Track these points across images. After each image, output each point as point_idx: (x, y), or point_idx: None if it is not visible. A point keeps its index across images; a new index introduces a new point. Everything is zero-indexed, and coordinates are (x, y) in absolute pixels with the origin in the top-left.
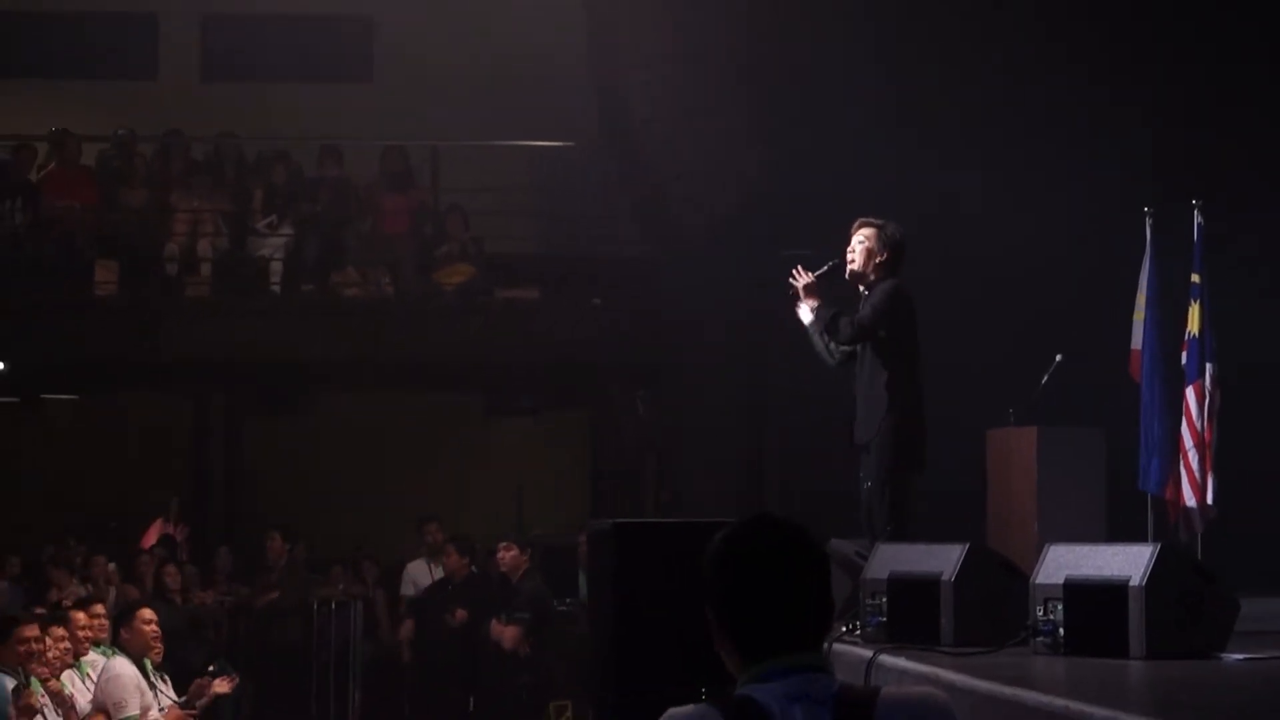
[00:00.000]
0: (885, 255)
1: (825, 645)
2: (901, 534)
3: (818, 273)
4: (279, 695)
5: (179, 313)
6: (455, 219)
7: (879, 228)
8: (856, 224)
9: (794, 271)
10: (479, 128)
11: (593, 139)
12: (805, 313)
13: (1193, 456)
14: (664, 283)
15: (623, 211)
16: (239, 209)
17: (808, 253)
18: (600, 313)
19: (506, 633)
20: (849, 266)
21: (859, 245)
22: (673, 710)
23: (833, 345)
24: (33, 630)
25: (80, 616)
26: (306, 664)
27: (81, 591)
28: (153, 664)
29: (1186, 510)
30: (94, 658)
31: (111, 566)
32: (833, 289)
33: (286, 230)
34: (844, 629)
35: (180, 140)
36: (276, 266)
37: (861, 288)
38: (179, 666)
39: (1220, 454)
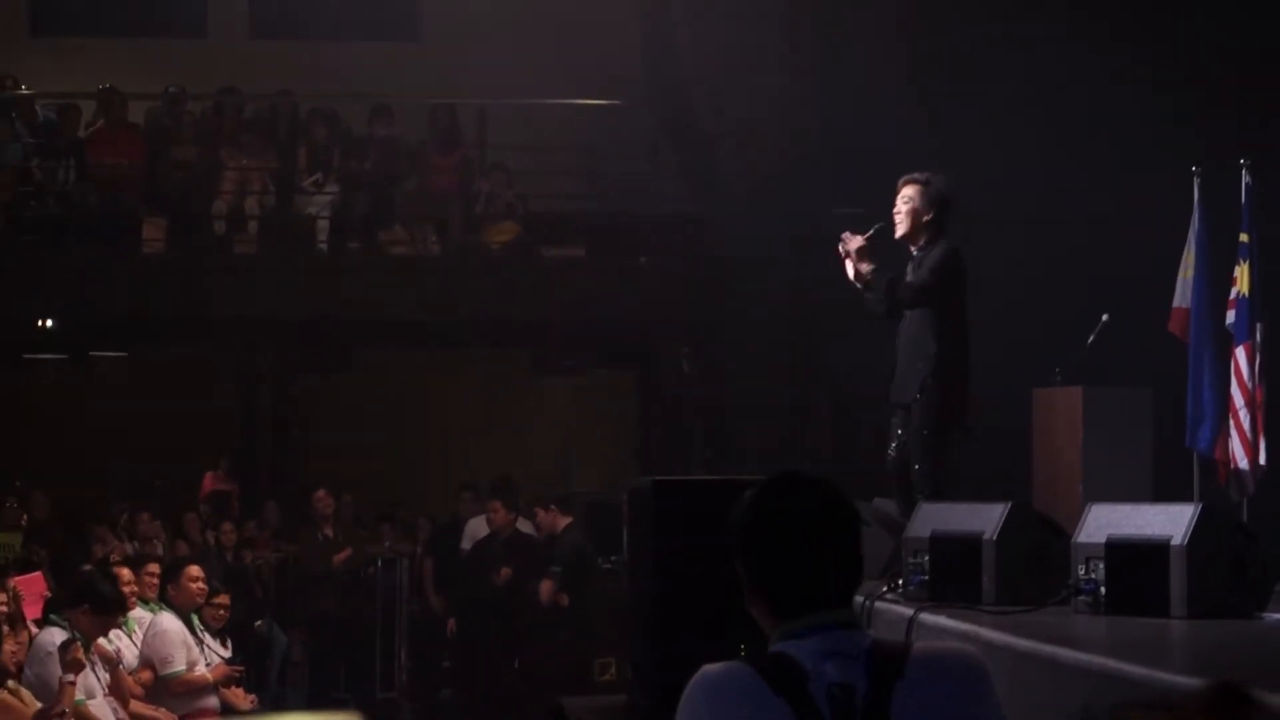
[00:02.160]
0: (932, 213)
1: (862, 602)
2: (938, 495)
3: (866, 235)
4: (326, 651)
5: (226, 270)
6: (501, 177)
7: (923, 184)
8: (901, 181)
9: (843, 236)
10: (526, 86)
11: (640, 97)
12: (865, 268)
13: (1244, 417)
14: (711, 241)
15: (670, 170)
16: (286, 167)
17: (858, 211)
18: (647, 271)
19: (543, 587)
20: (896, 228)
21: (904, 205)
22: (708, 667)
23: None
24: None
25: (125, 573)
26: (354, 620)
27: (128, 549)
28: (210, 624)
29: (1238, 471)
30: (140, 614)
31: (158, 524)
32: (884, 250)
33: (333, 188)
34: (886, 588)
35: (232, 98)
36: (323, 225)
37: (913, 249)
38: (227, 622)
39: (1269, 414)
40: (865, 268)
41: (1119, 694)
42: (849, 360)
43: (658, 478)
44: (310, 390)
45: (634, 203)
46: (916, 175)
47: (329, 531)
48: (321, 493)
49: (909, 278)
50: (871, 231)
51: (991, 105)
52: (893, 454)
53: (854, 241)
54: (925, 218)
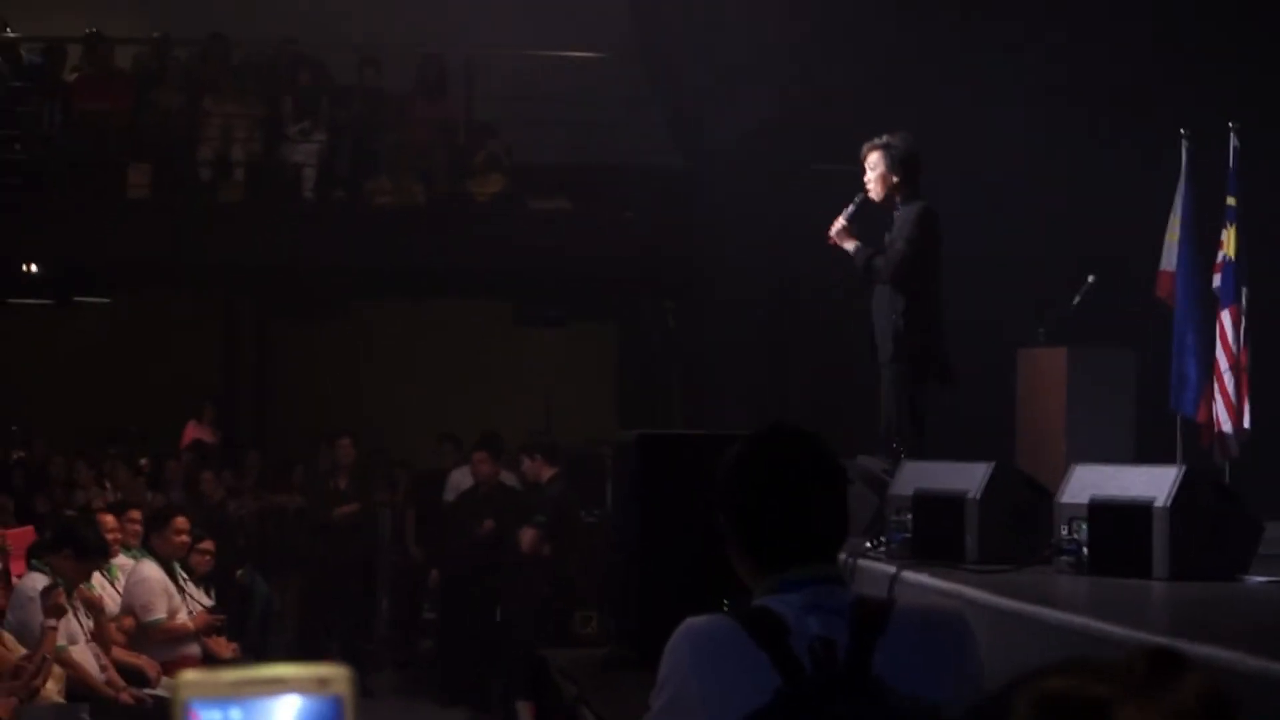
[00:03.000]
0: (900, 175)
1: (845, 559)
2: (918, 447)
3: (848, 215)
4: (309, 600)
5: (211, 217)
6: (487, 129)
7: (884, 148)
8: (865, 148)
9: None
10: (514, 37)
11: (626, 50)
12: (849, 248)
13: (1228, 380)
14: (695, 195)
15: (655, 124)
16: (273, 115)
17: (841, 166)
18: (631, 224)
19: (524, 535)
20: (869, 196)
21: (871, 172)
22: (691, 620)
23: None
24: None
25: (109, 520)
26: (335, 570)
27: (110, 497)
28: (195, 568)
29: (1222, 434)
30: (123, 560)
31: (139, 472)
32: (872, 215)
33: (320, 137)
34: (869, 545)
35: (219, 45)
36: (309, 173)
37: (893, 211)
38: (209, 571)
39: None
40: (849, 246)
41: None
42: (831, 316)
43: (642, 431)
44: (293, 339)
45: (619, 155)
46: (876, 140)
47: (342, 483)
48: (346, 441)
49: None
50: (851, 208)
51: (979, 63)
52: (883, 411)
53: (836, 225)
54: (894, 180)
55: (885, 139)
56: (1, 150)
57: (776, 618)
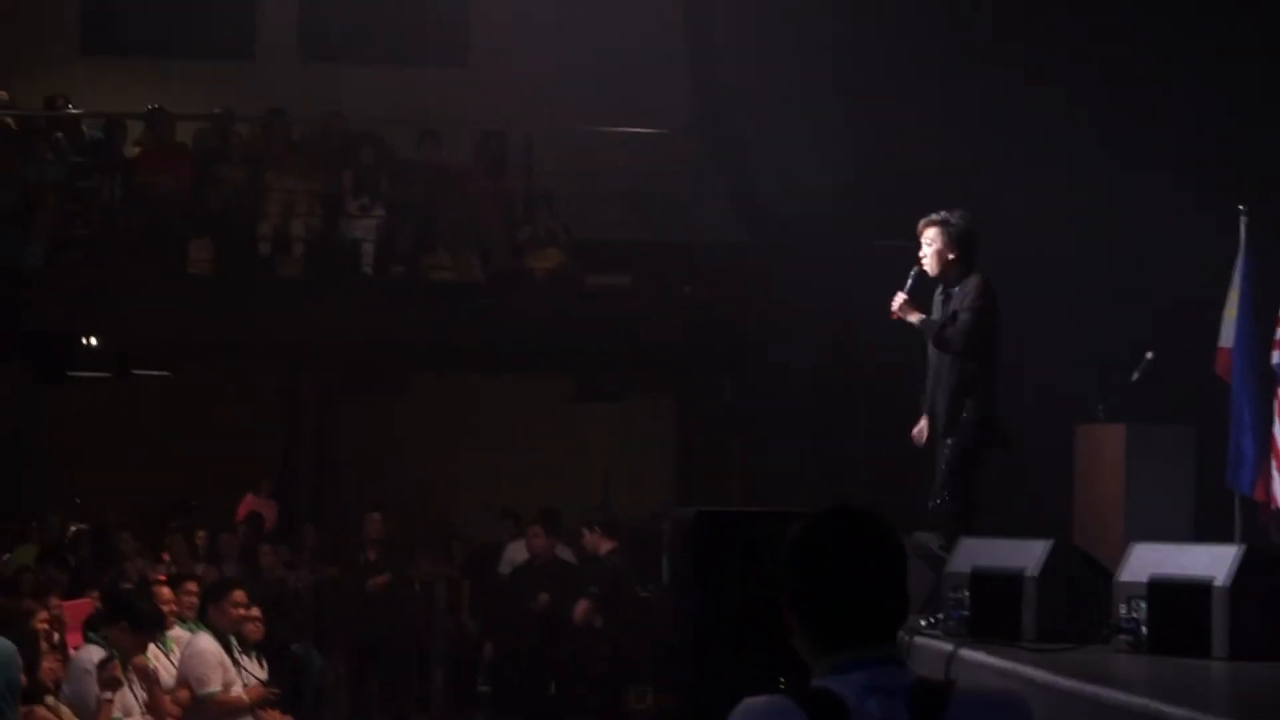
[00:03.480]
0: (957, 251)
1: (902, 635)
2: (967, 520)
3: (907, 289)
4: (363, 673)
5: (271, 292)
6: (546, 205)
7: (941, 224)
8: (921, 224)
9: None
10: (573, 113)
11: (687, 126)
12: (914, 320)
13: None
14: (755, 271)
15: (715, 199)
16: (332, 190)
17: (901, 243)
18: (690, 299)
19: (578, 607)
20: (924, 269)
21: (928, 248)
22: (749, 700)
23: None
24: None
25: (165, 592)
26: (391, 643)
27: (167, 570)
28: (248, 641)
29: (1278, 511)
30: (179, 633)
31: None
32: (928, 290)
33: (379, 212)
34: (925, 622)
35: (280, 120)
36: (368, 248)
37: (943, 286)
38: (264, 644)
39: None
40: (914, 319)
41: None
42: (890, 393)
43: (701, 508)
44: (352, 413)
45: (678, 231)
46: (934, 216)
47: (371, 555)
48: (375, 515)
49: (942, 313)
50: (910, 282)
51: (1036, 138)
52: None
53: (897, 300)
54: (950, 256)
55: (944, 214)
56: (64, 225)
57: (836, 699)
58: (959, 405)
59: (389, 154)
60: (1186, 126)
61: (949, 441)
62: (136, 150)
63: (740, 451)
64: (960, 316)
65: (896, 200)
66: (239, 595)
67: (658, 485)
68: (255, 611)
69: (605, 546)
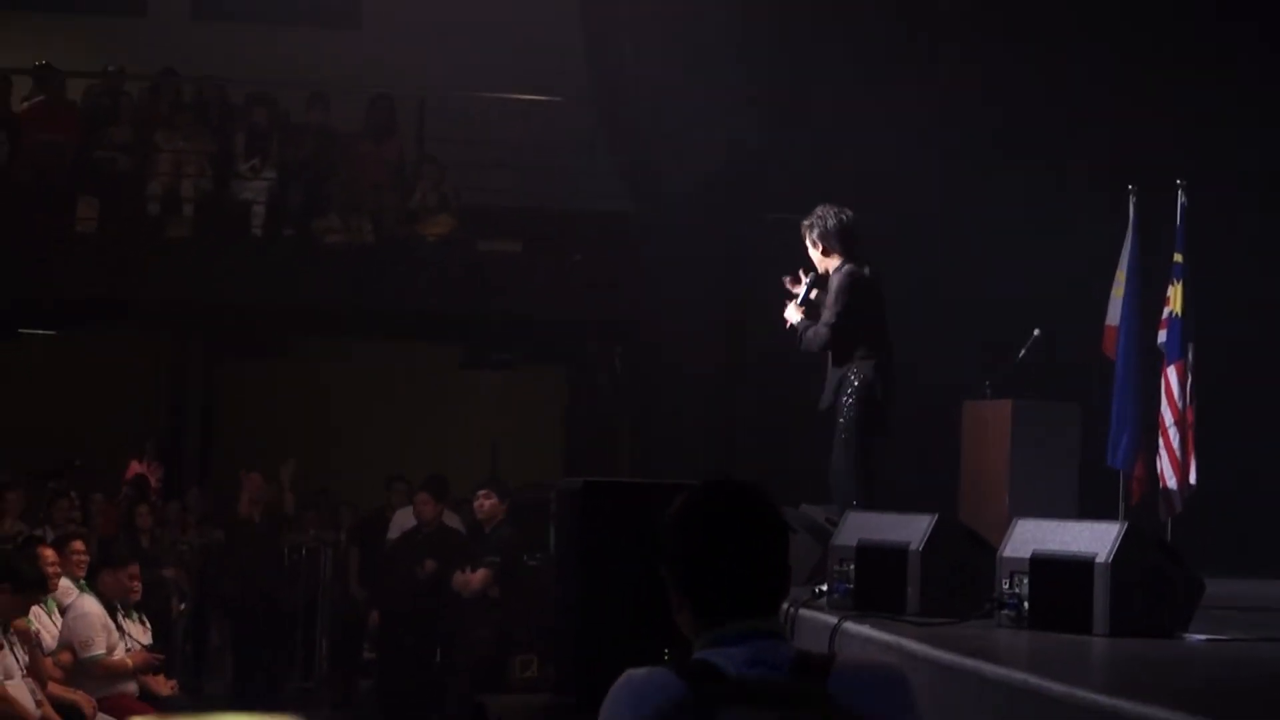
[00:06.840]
0: (830, 248)
1: (787, 608)
2: (868, 499)
3: (802, 299)
4: (247, 638)
5: (159, 253)
6: (437, 170)
7: (808, 228)
8: (802, 228)
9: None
10: (466, 79)
11: (580, 95)
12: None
13: (1174, 436)
14: (646, 241)
15: (607, 169)
16: (223, 151)
17: (792, 216)
18: (581, 269)
19: (476, 576)
20: (818, 274)
21: (811, 250)
22: (631, 671)
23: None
24: None
25: (49, 553)
26: (275, 608)
27: (39, 531)
28: (129, 603)
29: (1166, 490)
30: (66, 585)
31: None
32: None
33: (269, 174)
34: (811, 595)
35: (171, 80)
36: (259, 210)
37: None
38: (147, 607)
39: (1199, 434)
40: (795, 318)
41: (1039, 709)
42: (778, 365)
43: (588, 478)
44: (239, 376)
45: (571, 200)
46: (803, 221)
47: (255, 517)
48: (256, 475)
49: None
50: (807, 292)
51: (929, 118)
52: (831, 462)
53: (790, 308)
54: (825, 255)
55: (810, 218)
56: None
57: (717, 672)
58: (843, 397)
59: (281, 116)
60: (1077, 108)
61: (836, 427)
62: (24, 106)
63: (629, 422)
64: (821, 322)
65: (794, 173)
66: (134, 569)
67: (546, 455)
68: (133, 568)
69: (499, 511)
